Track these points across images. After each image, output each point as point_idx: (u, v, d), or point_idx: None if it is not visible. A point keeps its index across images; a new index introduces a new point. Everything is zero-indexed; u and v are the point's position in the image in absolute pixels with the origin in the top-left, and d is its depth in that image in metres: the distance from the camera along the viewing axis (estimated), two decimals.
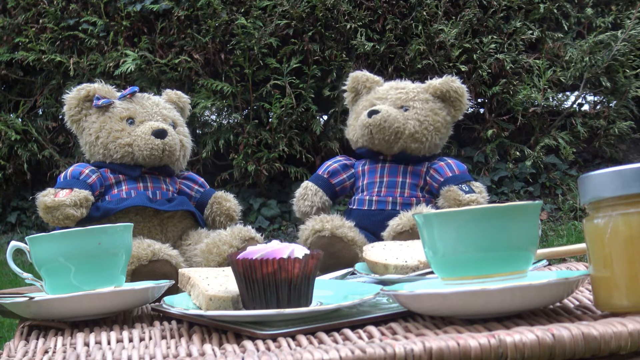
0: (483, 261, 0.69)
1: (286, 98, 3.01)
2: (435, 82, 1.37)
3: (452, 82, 1.36)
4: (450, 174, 1.32)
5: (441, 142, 1.38)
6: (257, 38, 2.98)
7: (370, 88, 1.41)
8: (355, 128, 1.38)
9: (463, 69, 3.00)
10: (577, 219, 2.92)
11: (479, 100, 3.28)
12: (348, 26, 3.03)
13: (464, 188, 1.28)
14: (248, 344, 0.68)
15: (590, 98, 3.33)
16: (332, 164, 1.40)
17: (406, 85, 1.39)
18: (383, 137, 1.31)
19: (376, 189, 1.33)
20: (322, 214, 1.31)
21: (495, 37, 3.07)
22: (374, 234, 1.27)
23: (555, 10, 3.16)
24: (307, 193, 1.37)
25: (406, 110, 1.34)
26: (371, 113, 1.32)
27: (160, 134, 1.25)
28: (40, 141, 3.34)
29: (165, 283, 0.92)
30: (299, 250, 0.76)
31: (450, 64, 3.01)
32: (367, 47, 3.01)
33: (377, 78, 1.43)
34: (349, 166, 1.40)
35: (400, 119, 1.32)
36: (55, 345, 0.76)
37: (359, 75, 1.43)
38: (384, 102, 1.36)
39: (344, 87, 1.46)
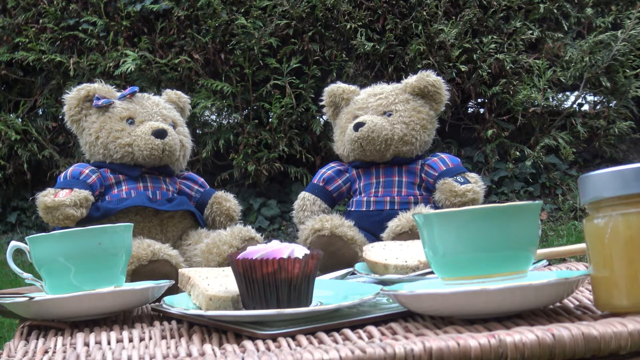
0: (483, 261, 0.69)
1: (286, 98, 3.01)
2: (411, 80, 1.37)
3: (427, 76, 1.36)
4: (444, 168, 1.32)
5: (430, 138, 1.38)
6: (257, 38, 2.98)
7: (349, 99, 1.41)
8: (343, 143, 1.37)
9: (463, 69, 2.99)
10: (577, 219, 2.92)
11: (479, 100, 3.28)
12: (348, 26, 3.03)
13: (459, 179, 1.28)
14: (248, 344, 0.68)
15: (590, 98, 3.33)
16: (326, 171, 1.40)
17: (384, 90, 1.39)
18: (374, 147, 1.31)
19: (373, 190, 1.33)
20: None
21: (495, 37, 3.07)
22: (374, 235, 1.27)
23: (555, 10, 3.16)
24: (305, 204, 1.37)
25: (390, 115, 1.34)
26: (357, 126, 1.32)
27: (160, 134, 1.25)
28: (40, 141, 3.34)
29: (165, 283, 0.92)
30: (299, 250, 0.76)
31: (450, 64, 3.01)
32: (367, 47, 3.01)
33: (353, 87, 1.43)
34: (343, 171, 1.40)
35: (386, 126, 1.32)
36: (55, 345, 0.76)
37: (334, 88, 1.43)
38: (365, 111, 1.36)
39: (322, 103, 1.45)
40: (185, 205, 1.28)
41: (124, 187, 1.26)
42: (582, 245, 0.75)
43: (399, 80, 1.43)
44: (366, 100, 1.38)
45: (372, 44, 3.03)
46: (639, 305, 0.63)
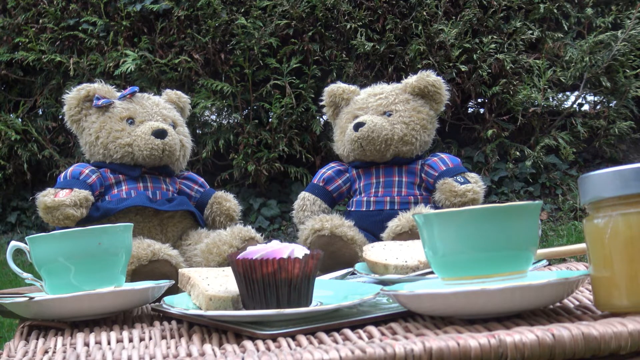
0: (483, 261, 0.69)
1: (286, 98, 3.01)
2: (411, 80, 1.37)
3: (427, 76, 1.36)
4: (444, 168, 1.32)
5: (430, 138, 1.39)
6: (257, 38, 2.98)
7: (349, 99, 1.41)
8: (344, 143, 1.38)
9: (463, 69, 2.99)
10: (577, 219, 2.92)
11: (479, 100, 3.28)
12: (348, 26, 3.03)
13: (459, 179, 1.28)
14: (248, 344, 0.68)
15: (590, 98, 3.33)
16: (326, 171, 1.40)
17: (384, 89, 1.39)
18: (374, 147, 1.31)
19: (373, 190, 1.33)
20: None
21: (495, 37, 3.07)
22: (374, 235, 1.27)
23: (555, 10, 3.16)
24: (305, 204, 1.37)
25: (390, 115, 1.34)
26: (357, 126, 1.32)
27: (160, 134, 1.25)
28: (40, 141, 3.34)
29: (165, 283, 0.92)
30: (299, 250, 0.76)
31: (450, 64, 3.01)
32: (367, 47, 3.01)
33: (353, 87, 1.43)
34: (343, 171, 1.40)
35: (386, 126, 1.32)
36: (55, 345, 0.76)
37: (334, 89, 1.43)
38: (365, 111, 1.36)
39: (322, 103, 1.45)
40: (185, 205, 1.28)
41: (124, 187, 1.26)
42: (582, 245, 0.75)
43: (399, 80, 1.43)
44: (366, 100, 1.38)
45: (372, 44, 3.02)
46: (639, 305, 0.63)
